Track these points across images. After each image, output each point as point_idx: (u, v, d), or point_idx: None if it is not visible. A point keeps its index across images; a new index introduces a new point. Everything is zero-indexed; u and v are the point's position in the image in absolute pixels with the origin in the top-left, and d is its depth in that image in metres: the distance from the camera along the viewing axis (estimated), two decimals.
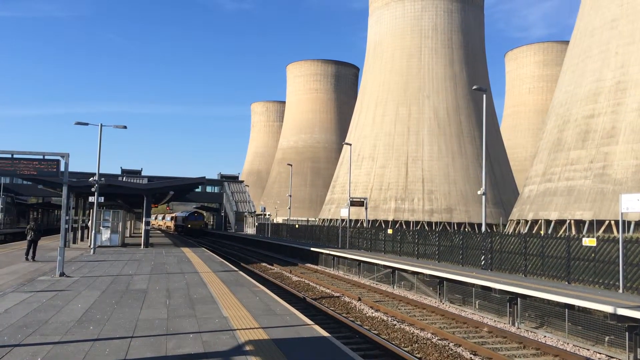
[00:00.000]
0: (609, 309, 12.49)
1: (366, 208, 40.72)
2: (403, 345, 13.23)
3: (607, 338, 12.99)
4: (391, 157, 76.80)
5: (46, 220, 73.30)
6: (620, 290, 15.45)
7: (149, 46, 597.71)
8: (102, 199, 31.55)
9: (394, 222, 71.05)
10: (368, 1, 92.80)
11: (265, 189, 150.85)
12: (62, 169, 17.31)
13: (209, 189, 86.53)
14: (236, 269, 22.01)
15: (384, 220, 72.07)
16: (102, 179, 30.10)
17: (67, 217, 26.93)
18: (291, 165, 77.17)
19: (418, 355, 12.36)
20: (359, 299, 19.89)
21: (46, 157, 17.19)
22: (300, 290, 22.92)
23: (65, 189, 18.13)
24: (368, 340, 13.31)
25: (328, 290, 22.84)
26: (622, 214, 16.56)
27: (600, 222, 43.93)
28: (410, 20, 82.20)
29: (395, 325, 15.56)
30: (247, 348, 8.87)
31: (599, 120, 47.28)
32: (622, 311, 12.18)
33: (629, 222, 40.87)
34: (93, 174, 29.92)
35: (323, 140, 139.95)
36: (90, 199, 31.33)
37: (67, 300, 13.19)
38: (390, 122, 78.82)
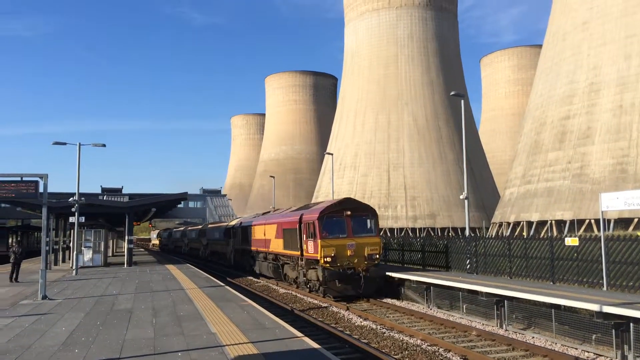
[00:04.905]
0: (594, 307, 12.61)
1: None
2: (393, 353, 13.20)
3: (594, 336, 13.10)
4: (372, 165, 77.12)
5: (26, 242, 71.82)
6: (605, 288, 15.64)
7: (124, 63, 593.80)
8: (82, 219, 31.06)
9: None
10: (343, 11, 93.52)
11: (249, 202, 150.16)
12: (41, 190, 17.05)
13: (191, 204, 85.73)
14: (222, 284, 21.81)
15: None
16: (82, 198, 29.68)
17: (48, 239, 26.46)
18: (273, 177, 77.10)
19: None
20: (347, 309, 19.83)
21: (24, 179, 16.89)
22: (288, 302, 22.78)
23: (44, 210, 17.84)
24: (358, 349, 13.26)
25: (315, 301, 22.73)
26: (602, 212, 16.80)
27: (580, 222, 44.59)
28: (386, 29, 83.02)
29: (384, 333, 15.53)
30: None
31: (575, 121, 48.14)
32: (607, 309, 12.31)
33: (609, 220, 41.55)
34: (73, 194, 29.50)
35: (304, 151, 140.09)
36: (71, 219, 30.84)
37: (51, 323, 12.93)
38: (370, 130, 79.24)
